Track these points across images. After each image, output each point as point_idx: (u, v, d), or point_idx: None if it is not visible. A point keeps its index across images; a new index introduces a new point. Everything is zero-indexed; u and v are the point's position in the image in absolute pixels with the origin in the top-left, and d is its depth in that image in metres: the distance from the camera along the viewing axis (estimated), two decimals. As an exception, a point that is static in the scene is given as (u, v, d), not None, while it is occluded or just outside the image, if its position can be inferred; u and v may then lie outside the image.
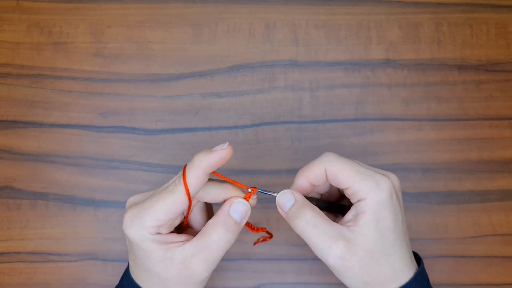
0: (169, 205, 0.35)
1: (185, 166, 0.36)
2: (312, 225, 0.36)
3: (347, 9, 0.56)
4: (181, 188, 0.35)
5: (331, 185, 0.41)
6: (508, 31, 0.56)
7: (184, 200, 0.35)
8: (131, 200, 0.38)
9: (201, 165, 0.35)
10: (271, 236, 0.43)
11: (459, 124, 0.54)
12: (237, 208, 0.37)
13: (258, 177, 0.53)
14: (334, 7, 0.56)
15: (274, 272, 0.51)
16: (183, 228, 0.40)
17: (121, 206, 0.52)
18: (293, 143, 0.53)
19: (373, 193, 0.35)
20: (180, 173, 0.36)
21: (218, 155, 0.35)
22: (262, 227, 0.42)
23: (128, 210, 0.36)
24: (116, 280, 0.42)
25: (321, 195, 0.42)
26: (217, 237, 0.36)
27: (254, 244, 0.43)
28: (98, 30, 0.55)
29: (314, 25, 0.56)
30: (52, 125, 0.54)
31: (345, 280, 0.37)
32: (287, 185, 0.53)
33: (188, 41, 0.55)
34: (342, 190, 0.38)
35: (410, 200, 0.53)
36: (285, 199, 0.38)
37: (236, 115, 0.54)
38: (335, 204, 0.41)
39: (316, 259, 0.52)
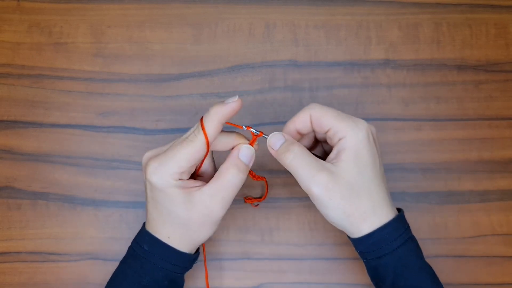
0: (190, 153, 0.39)
1: (202, 118, 0.40)
2: (299, 158, 0.40)
3: (347, 9, 0.56)
4: (201, 137, 0.39)
5: (315, 141, 0.45)
6: (507, 31, 0.56)
7: (203, 148, 0.40)
8: (147, 155, 0.42)
9: (217, 116, 0.39)
10: (264, 196, 0.49)
11: (459, 124, 0.54)
12: (245, 152, 0.42)
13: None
14: (333, 7, 0.56)
15: (274, 272, 0.52)
16: (195, 175, 0.44)
17: (121, 206, 0.53)
18: (293, 143, 0.53)
19: (352, 131, 0.40)
20: (198, 124, 0.40)
21: (231, 107, 0.40)
22: (262, 176, 0.47)
23: (150, 161, 0.40)
24: (116, 280, 0.43)
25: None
26: (231, 177, 0.40)
27: (251, 202, 0.50)
28: (98, 31, 0.55)
29: (314, 25, 0.56)
30: (53, 125, 0.54)
31: (328, 211, 0.40)
32: (287, 185, 0.53)
33: (188, 41, 0.55)
34: (324, 136, 0.42)
35: (410, 200, 0.53)
36: (276, 139, 0.42)
37: (236, 115, 0.54)
38: (320, 158, 0.44)
39: (316, 259, 0.52)
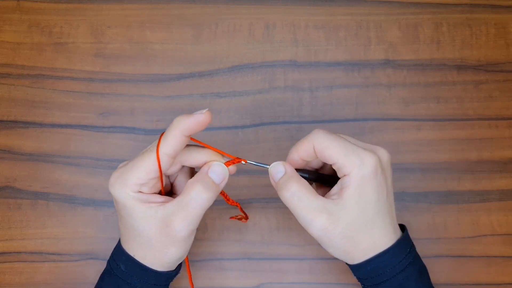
0: (149, 164, 0.37)
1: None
2: (297, 197, 0.38)
3: (347, 9, 0.56)
4: (161, 148, 0.37)
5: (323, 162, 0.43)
6: (507, 31, 0.56)
7: (165, 159, 0.37)
8: (118, 167, 0.40)
9: (179, 127, 0.37)
10: (246, 217, 0.45)
11: (459, 124, 0.54)
12: (215, 169, 0.39)
13: (258, 177, 0.53)
14: (333, 7, 0.56)
15: (274, 272, 0.52)
16: (167, 193, 0.42)
17: (121, 206, 0.53)
18: (293, 143, 0.53)
19: (356, 169, 0.37)
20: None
21: (196, 119, 0.37)
22: (237, 202, 0.43)
23: (113, 173, 0.39)
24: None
25: (317, 170, 0.44)
26: (195, 194, 0.37)
27: (230, 218, 0.46)
28: (98, 31, 0.55)
29: (314, 25, 0.56)
30: (53, 125, 0.54)
31: (328, 249, 0.40)
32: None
33: (188, 42, 0.55)
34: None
35: (409, 200, 0.53)
36: (276, 170, 0.40)
37: (236, 115, 0.54)
38: (327, 177, 0.43)
39: (315, 259, 0.52)
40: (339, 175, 0.39)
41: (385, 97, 0.54)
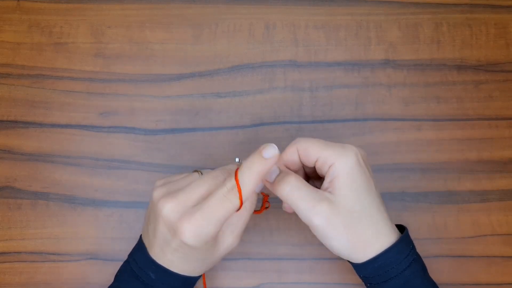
0: (230, 213, 0.37)
1: (236, 171, 0.37)
2: (296, 188, 0.39)
3: (347, 9, 0.56)
4: (243, 194, 0.37)
5: (306, 178, 0.44)
6: (508, 31, 0.56)
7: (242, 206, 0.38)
8: (159, 192, 0.39)
9: (258, 172, 0.37)
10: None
11: (459, 124, 0.54)
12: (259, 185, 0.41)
13: (258, 177, 0.53)
14: (333, 7, 0.56)
15: (274, 272, 0.52)
16: None
17: (121, 206, 0.53)
18: (293, 143, 0.53)
19: (341, 157, 0.39)
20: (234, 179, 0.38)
21: (272, 163, 0.37)
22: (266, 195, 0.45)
23: (186, 224, 0.37)
24: (117, 280, 0.43)
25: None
26: (249, 211, 0.41)
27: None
28: (98, 31, 0.55)
29: (314, 25, 0.56)
30: (53, 125, 0.54)
31: (331, 242, 0.39)
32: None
33: (188, 42, 0.55)
34: (314, 170, 0.41)
35: (409, 200, 0.53)
36: (270, 172, 0.41)
37: (236, 115, 0.54)
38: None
39: (315, 259, 0.52)
40: (324, 170, 0.40)
41: (385, 97, 0.54)
